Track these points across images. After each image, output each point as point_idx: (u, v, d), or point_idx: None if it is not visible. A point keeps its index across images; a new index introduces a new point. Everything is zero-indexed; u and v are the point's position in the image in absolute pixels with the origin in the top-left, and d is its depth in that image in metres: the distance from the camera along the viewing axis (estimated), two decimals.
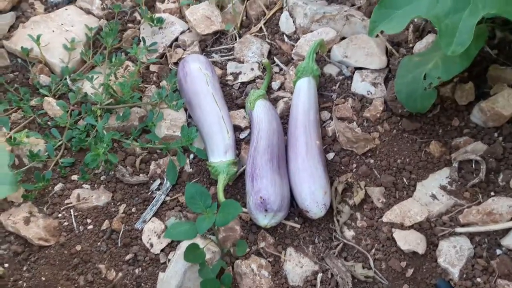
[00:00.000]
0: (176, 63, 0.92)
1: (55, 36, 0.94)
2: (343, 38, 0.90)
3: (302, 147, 0.72)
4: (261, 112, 0.78)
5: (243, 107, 0.85)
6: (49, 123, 0.84)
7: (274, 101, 0.85)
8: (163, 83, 0.89)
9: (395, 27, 0.49)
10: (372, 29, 0.50)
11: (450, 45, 0.47)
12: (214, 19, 0.94)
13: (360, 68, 0.85)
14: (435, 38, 0.83)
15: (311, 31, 0.92)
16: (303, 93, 0.80)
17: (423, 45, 0.84)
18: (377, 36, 0.89)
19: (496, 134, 0.74)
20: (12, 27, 0.97)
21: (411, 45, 0.85)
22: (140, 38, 0.94)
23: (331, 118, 0.81)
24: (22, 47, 0.91)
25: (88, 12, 1.00)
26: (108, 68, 0.87)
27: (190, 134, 0.74)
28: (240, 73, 0.90)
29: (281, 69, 0.90)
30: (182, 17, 0.99)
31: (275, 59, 0.91)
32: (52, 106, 0.85)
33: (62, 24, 0.97)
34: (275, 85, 0.88)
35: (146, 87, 0.89)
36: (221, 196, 0.68)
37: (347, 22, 0.90)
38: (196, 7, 0.95)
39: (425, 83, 0.73)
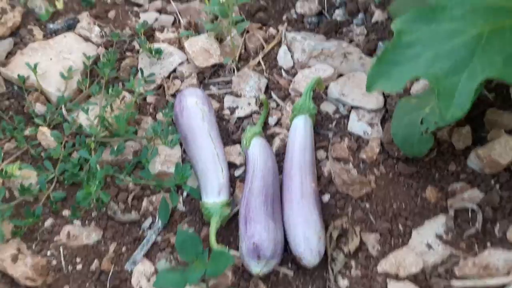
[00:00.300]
0: (173, 95, 0.90)
1: (52, 64, 0.92)
2: (341, 75, 0.88)
3: (297, 190, 0.70)
4: (256, 150, 0.75)
5: (239, 142, 0.83)
6: (42, 154, 0.81)
7: (270, 137, 0.83)
8: (159, 115, 0.87)
9: (393, 85, 0.47)
10: (370, 86, 0.48)
11: (449, 108, 0.45)
12: (213, 52, 0.92)
13: (357, 107, 0.83)
14: None
15: (309, 67, 0.90)
16: (299, 132, 0.77)
17: (420, 86, 0.82)
18: None
19: (493, 182, 0.71)
20: (10, 54, 0.94)
21: (408, 85, 0.83)
22: (138, 68, 0.92)
23: (327, 158, 0.78)
24: (18, 75, 0.88)
25: (87, 39, 0.98)
26: (104, 100, 0.85)
27: (184, 172, 0.71)
28: (237, 107, 0.87)
29: (278, 105, 0.88)
30: (181, 47, 0.97)
31: (272, 94, 0.89)
32: (46, 136, 0.82)
33: (60, 52, 0.94)
34: (271, 120, 0.85)
35: (142, 119, 0.87)
36: (213, 241, 0.65)
37: (344, 60, 0.88)
38: (196, 39, 0.93)
39: (422, 127, 0.71)
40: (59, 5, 1.00)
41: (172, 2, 1.03)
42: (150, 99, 0.90)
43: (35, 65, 0.87)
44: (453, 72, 0.45)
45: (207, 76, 0.92)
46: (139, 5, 1.04)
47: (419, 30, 0.48)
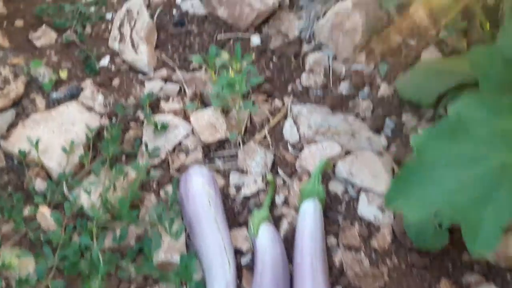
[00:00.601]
0: (178, 169, 0.88)
1: (54, 137, 0.89)
2: (348, 152, 0.87)
3: (308, 284, 0.67)
4: (265, 241, 0.72)
5: (245, 224, 0.79)
6: (41, 237, 0.78)
7: (278, 219, 0.80)
8: (163, 192, 0.84)
9: (414, 210, 0.44)
10: (388, 203, 0.46)
11: (474, 243, 0.42)
12: (219, 126, 0.90)
13: (366, 189, 0.81)
14: None
15: (315, 142, 0.88)
16: (309, 218, 0.75)
17: None
18: (380, 154, 0.86)
19: (509, 276, 0.69)
20: (12, 125, 0.91)
21: None
22: (143, 141, 0.90)
23: (337, 245, 0.76)
24: (19, 150, 0.85)
25: (90, 109, 0.96)
26: (107, 180, 0.82)
27: (188, 265, 0.68)
28: (243, 185, 0.85)
29: (284, 182, 0.85)
30: (186, 117, 0.95)
31: (279, 170, 0.87)
32: (46, 218, 0.79)
33: (62, 123, 0.91)
34: (278, 199, 0.83)
35: (145, 197, 0.84)
36: None
37: (352, 138, 0.87)
38: (202, 114, 0.92)
39: (435, 220, 0.69)
40: (63, 75, 0.99)
41: (177, 71, 1.02)
42: (154, 173, 0.87)
43: (37, 141, 0.84)
44: (477, 204, 0.43)
45: (213, 149, 0.91)
46: (144, 73, 1.03)
47: (440, 150, 0.46)
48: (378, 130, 0.89)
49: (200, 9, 1.11)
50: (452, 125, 0.48)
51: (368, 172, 0.82)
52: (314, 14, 1.03)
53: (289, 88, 0.99)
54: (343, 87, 0.97)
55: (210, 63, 0.92)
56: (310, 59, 1.00)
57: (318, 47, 1.03)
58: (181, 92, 1.00)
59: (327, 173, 0.84)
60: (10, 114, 0.92)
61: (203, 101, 0.98)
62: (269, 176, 0.81)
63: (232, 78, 0.80)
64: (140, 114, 0.95)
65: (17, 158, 0.88)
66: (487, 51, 0.69)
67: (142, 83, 1.01)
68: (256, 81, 0.87)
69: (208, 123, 0.90)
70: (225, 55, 0.88)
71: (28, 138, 0.85)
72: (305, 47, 1.04)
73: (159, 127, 0.89)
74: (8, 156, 0.89)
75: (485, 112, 0.48)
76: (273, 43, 1.06)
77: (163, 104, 0.97)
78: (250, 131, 0.93)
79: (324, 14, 1.03)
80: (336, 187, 0.83)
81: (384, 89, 0.94)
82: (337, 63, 1.01)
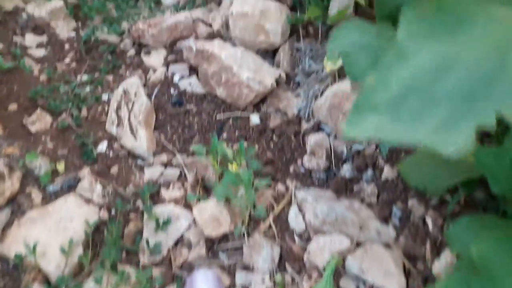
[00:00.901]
0: (180, 267, 0.84)
1: (51, 237, 0.85)
2: (358, 243, 0.84)
3: None
4: None
5: None
6: None
7: None
8: None
9: None
10: None
11: None
12: (223, 219, 0.87)
13: None
14: (453, 258, 0.77)
15: (323, 233, 0.86)
16: None
17: (442, 265, 0.78)
18: (389, 246, 0.83)
19: None
20: (7, 225, 0.87)
21: (429, 263, 0.79)
22: (143, 235, 0.86)
23: None
24: (15, 255, 0.81)
25: (88, 201, 0.92)
26: (109, 286, 0.78)
27: None
28: (250, 285, 0.81)
29: (293, 279, 0.82)
30: (187, 204, 0.92)
31: (287, 265, 0.83)
32: None
33: (60, 220, 0.87)
34: None
35: None
36: None
37: (360, 230, 0.85)
38: (204, 206, 0.88)
39: None
40: (60, 168, 0.95)
41: (177, 155, 0.99)
42: (156, 272, 0.83)
43: (34, 246, 0.80)
44: None
45: (216, 242, 0.87)
46: (143, 159, 1.00)
47: None
48: (385, 219, 0.86)
49: (198, 88, 1.09)
50: (478, 271, 0.45)
51: (379, 268, 0.78)
52: (312, 93, 1.02)
53: (291, 169, 0.97)
54: (346, 169, 0.95)
55: (212, 153, 0.89)
56: (311, 140, 0.98)
57: (317, 125, 1.01)
58: (181, 177, 0.97)
59: (338, 268, 0.81)
60: (5, 214, 0.87)
61: (204, 186, 0.95)
62: (278, 277, 0.78)
63: (237, 176, 0.78)
64: (140, 204, 0.92)
65: (13, 261, 0.83)
66: (494, 152, 0.68)
67: (141, 169, 0.98)
68: (263, 183, 0.84)
69: (212, 217, 0.87)
70: (228, 151, 0.85)
71: (24, 242, 0.81)
72: (305, 125, 1.02)
73: (160, 223, 0.85)
74: (3, 259, 0.84)
75: (509, 259, 0.45)
76: (273, 121, 1.04)
77: (163, 192, 0.93)
78: (254, 219, 0.90)
79: (322, 93, 1.02)
80: (347, 285, 0.79)
81: (387, 172, 0.92)
82: (338, 142, 0.99)
